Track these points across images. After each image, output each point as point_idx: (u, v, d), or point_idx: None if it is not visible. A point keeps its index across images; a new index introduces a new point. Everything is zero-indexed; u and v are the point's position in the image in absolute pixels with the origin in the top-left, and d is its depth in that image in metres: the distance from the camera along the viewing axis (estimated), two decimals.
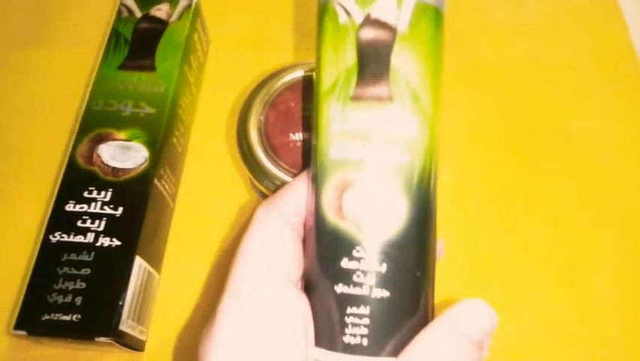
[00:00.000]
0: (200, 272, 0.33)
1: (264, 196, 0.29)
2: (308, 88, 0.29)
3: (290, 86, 0.29)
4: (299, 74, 0.29)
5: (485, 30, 0.43)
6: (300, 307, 0.17)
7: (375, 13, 0.17)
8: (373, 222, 0.17)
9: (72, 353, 0.31)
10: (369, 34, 0.17)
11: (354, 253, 0.17)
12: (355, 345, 0.17)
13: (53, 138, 0.37)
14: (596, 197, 0.35)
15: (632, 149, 0.37)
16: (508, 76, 0.40)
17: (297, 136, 0.27)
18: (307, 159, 0.24)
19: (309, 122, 0.28)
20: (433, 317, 0.18)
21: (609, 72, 0.40)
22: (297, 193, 0.19)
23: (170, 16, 0.37)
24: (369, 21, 0.17)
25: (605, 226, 0.34)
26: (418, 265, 0.17)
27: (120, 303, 0.27)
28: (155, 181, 0.31)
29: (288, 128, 0.28)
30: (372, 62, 0.17)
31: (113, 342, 0.27)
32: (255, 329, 0.16)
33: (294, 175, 0.26)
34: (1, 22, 0.44)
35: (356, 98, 0.17)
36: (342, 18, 0.18)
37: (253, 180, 0.28)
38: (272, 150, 0.27)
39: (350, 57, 0.17)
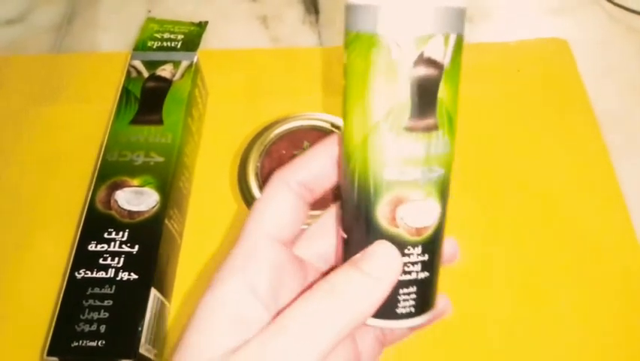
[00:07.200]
0: None
1: None
2: (296, 138, 0.34)
3: (281, 137, 0.34)
4: (288, 126, 0.34)
5: None
6: (274, 257, 0.21)
7: (428, 52, 0.19)
8: (420, 227, 0.21)
9: None
10: (421, 71, 0.19)
11: (406, 251, 0.21)
12: (406, 313, 0.22)
13: (73, 186, 0.41)
14: (552, 220, 0.40)
15: (579, 172, 0.43)
16: (472, 114, 0.46)
17: None
18: None
19: None
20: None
21: (560, 108, 0.46)
22: (305, 168, 0.23)
23: (173, 75, 0.42)
24: (422, 59, 0.19)
25: (561, 245, 0.39)
26: (440, 250, 0.22)
27: (139, 329, 0.32)
28: (166, 221, 0.36)
29: None
30: (424, 97, 0.19)
31: None
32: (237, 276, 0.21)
33: None
34: (21, 81, 0.48)
35: (409, 129, 0.20)
36: (395, 54, 0.19)
37: None
38: None
39: (403, 91, 0.19)
